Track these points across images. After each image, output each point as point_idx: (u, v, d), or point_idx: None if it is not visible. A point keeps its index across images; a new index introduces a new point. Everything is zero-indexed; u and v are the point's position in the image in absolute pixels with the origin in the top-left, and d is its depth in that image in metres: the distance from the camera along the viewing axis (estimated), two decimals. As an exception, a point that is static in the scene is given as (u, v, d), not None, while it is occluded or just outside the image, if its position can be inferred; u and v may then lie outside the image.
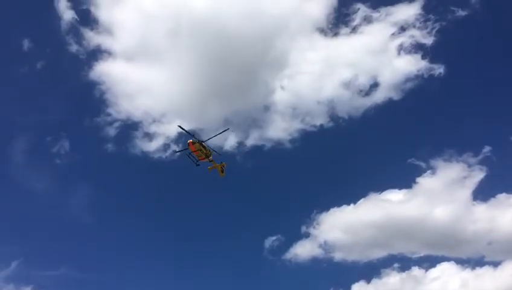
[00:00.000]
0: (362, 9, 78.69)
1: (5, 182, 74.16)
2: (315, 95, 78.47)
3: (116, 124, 75.66)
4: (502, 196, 71.01)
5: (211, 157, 46.59)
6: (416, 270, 68.76)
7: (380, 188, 73.63)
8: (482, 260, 67.90)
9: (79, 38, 75.65)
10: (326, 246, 71.23)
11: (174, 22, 75.06)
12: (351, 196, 73.51)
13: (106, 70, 76.06)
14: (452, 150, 74.16)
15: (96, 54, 76.21)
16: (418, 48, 77.79)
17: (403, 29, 78.30)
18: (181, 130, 42.62)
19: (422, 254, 69.74)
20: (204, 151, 45.42)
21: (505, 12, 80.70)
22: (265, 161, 78.85)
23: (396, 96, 76.45)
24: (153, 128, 75.50)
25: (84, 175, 77.34)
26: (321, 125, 77.16)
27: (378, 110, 77.00)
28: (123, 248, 74.38)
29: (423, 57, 77.24)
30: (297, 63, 79.99)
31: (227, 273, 72.10)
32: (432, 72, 76.65)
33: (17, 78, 77.43)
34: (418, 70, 76.68)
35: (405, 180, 73.91)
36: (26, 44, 75.29)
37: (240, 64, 75.82)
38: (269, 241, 72.28)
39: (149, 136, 75.58)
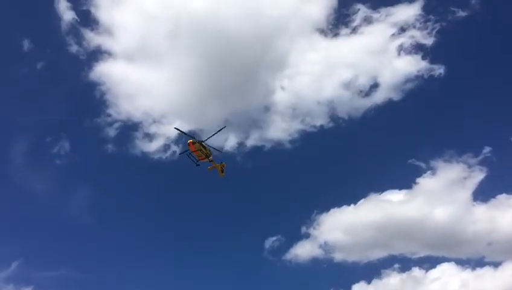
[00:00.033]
0: (362, 10, 79.01)
1: (5, 183, 74.31)
2: (315, 96, 78.74)
3: (116, 125, 75.93)
4: (502, 197, 71.23)
5: (211, 157, 46.76)
6: (416, 271, 68.98)
7: (380, 188, 73.89)
8: (482, 261, 68.12)
9: (79, 39, 75.97)
10: (326, 247, 71.41)
11: (174, 23, 75.36)
12: (351, 196, 73.73)
13: (106, 71, 76.38)
14: (452, 150, 74.43)
15: (97, 54, 76.52)
16: (418, 48, 78.10)
17: (403, 29, 78.59)
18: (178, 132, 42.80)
19: (422, 255, 69.96)
20: (205, 151, 45.59)
21: (505, 12, 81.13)
22: (265, 161, 79.13)
23: (396, 96, 76.71)
24: (153, 129, 75.82)
25: (84, 176, 77.66)
26: (321, 125, 77.43)
27: (378, 111, 77.25)
28: (123, 249, 74.65)
29: (423, 58, 77.54)
30: (297, 64, 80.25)
31: (227, 274, 72.37)
32: (432, 73, 76.90)
33: (17, 78, 77.76)
34: (418, 71, 76.95)
35: (405, 180, 74.17)
36: (26, 44, 75.63)
37: (240, 65, 76.06)
38: (269, 242, 72.50)
39: (149, 137, 75.86)
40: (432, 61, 76.89)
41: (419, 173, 73.70)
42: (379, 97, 76.71)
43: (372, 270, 69.84)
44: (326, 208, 73.26)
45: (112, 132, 75.77)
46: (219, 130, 44.10)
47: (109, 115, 75.74)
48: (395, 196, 72.87)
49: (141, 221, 75.32)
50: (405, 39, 78.02)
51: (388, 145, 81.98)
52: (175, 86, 77.00)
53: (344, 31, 79.68)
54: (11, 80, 77.45)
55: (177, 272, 73.42)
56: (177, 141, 71.97)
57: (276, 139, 76.98)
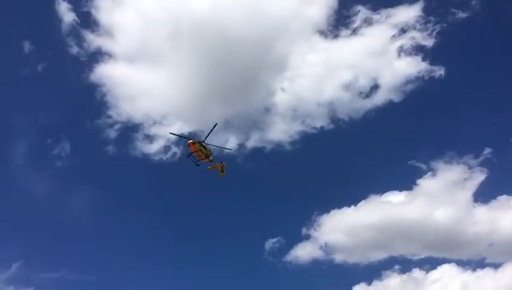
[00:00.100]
0: (362, 11, 79.00)
1: (5, 184, 74.45)
2: (315, 97, 78.84)
3: (117, 126, 76.01)
4: (502, 198, 71.25)
5: (211, 158, 46.96)
6: (417, 272, 69.03)
7: (381, 190, 73.88)
8: (482, 262, 68.14)
9: (80, 41, 75.98)
10: (326, 248, 71.48)
11: (174, 24, 75.50)
12: (351, 197, 73.85)
13: (107, 73, 76.39)
14: (453, 151, 74.52)
15: (97, 56, 76.55)
16: (418, 49, 78.13)
17: (403, 31, 78.62)
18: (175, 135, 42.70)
19: (423, 256, 70.02)
20: (205, 152, 45.80)
21: (505, 14, 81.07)
22: (265, 162, 79.18)
23: (396, 98, 76.73)
24: (153, 131, 75.92)
25: (84, 177, 77.68)
26: (321, 127, 77.55)
27: (378, 112, 77.26)
28: (124, 250, 74.71)
29: (423, 59, 77.58)
30: (297, 65, 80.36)
31: (227, 275, 72.39)
32: (433, 74, 76.95)
33: (17, 80, 77.76)
34: (418, 72, 76.99)
35: (406, 182, 74.36)
36: (27, 46, 75.67)
37: (240, 67, 76.17)
38: (270, 243, 72.60)
39: (149, 138, 75.94)
40: (432, 63, 77.18)
41: (420, 174, 73.97)
42: (379, 98, 76.99)
43: (373, 272, 70.10)
44: (326, 210, 73.55)
45: (112, 134, 76.05)
46: (213, 128, 44.08)
47: (110, 117, 76.00)
48: (395, 197, 73.13)
49: (141, 222, 75.64)
50: (405, 40, 78.26)
51: (388, 147, 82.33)
52: (175, 87, 77.35)
53: (344, 32, 79.92)
54: (11, 81, 77.62)
55: (178, 274, 73.67)
56: (177, 143, 72.26)
57: (276, 141, 77.26)
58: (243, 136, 76.87)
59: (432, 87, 77.87)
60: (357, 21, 78.82)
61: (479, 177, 72.35)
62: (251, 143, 77.00)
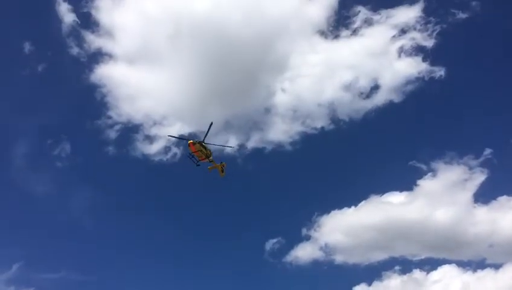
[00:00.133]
0: (363, 12, 79.32)
1: (6, 185, 74.46)
2: (316, 98, 79.04)
3: (117, 127, 76.16)
4: (503, 199, 71.25)
5: (211, 158, 47.13)
6: (417, 273, 68.98)
7: (381, 190, 73.92)
8: (483, 263, 68.18)
9: (80, 41, 76.22)
10: (327, 249, 71.51)
11: (174, 25, 75.69)
12: (352, 198, 73.96)
13: (107, 73, 76.62)
14: (453, 152, 74.57)
15: (97, 56, 76.79)
16: (418, 50, 78.33)
17: (403, 31, 78.80)
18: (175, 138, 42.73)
19: (423, 257, 70.00)
20: (205, 152, 45.94)
21: (505, 14, 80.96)
22: (266, 163, 79.27)
23: (397, 98, 76.87)
24: (153, 131, 76.09)
25: (85, 178, 77.67)
26: (322, 127, 77.72)
27: (378, 113, 77.39)
28: (124, 250, 74.68)
29: (424, 60, 77.81)
30: (297, 66, 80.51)
31: (228, 276, 72.44)
32: (433, 75, 77.17)
33: (18, 80, 78.03)
34: (418, 73, 77.22)
35: (406, 182, 74.32)
36: (27, 47, 75.96)
37: (241, 67, 76.27)
38: (270, 244, 72.71)
39: (150, 139, 76.07)
40: (432, 63, 77.39)
41: (420, 174, 74.02)
42: (380, 99, 77.14)
43: (373, 272, 70.12)
44: (327, 210, 73.63)
45: (112, 134, 76.21)
46: (209, 127, 44.17)
47: (110, 117, 76.15)
48: (395, 198, 73.16)
49: (142, 223, 75.78)
50: (405, 41, 78.45)
51: (389, 147, 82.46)
52: (176, 88, 77.43)
53: (344, 32, 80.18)
54: (12, 82, 78.06)
55: (178, 274, 73.67)
56: (177, 143, 72.04)
57: (276, 141, 77.38)
58: (243, 136, 77.22)
59: (432, 88, 78.30)
60: (357, 21, 79.31)
61: (480, 177, 72.65)
62: (251, 143, 77.36)
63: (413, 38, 78.13)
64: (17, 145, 75.16)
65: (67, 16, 75.13)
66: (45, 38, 78.58)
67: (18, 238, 70.10)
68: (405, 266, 69.48)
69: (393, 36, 78.42)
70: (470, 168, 73.26)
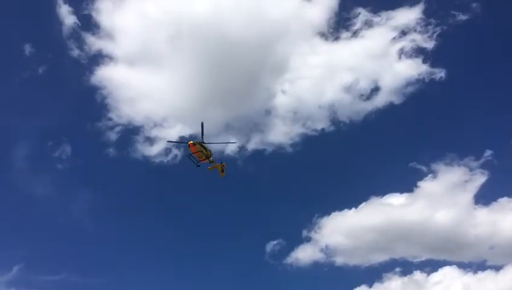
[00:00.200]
0: (363, 14, 79.45)
1: (6, 187, 74.46)
2: (316, 100, 79.07)
3: (118, 129, 76.20)
4: (503, 200, 71.20)
5: (211, 158, 47.19)
6: (418, 275, 68.95)
7: (382, 192, 73.87)
8: (483, 264, 68.13)
9: (80, 43, 76.40)
10: (327, 251, 71.45)
11: (175, 27, 75.81)
12: (352, 200, 73.92)
13: (107, 75, 76.71)
14: (453, 154, 74.58)
15: (98, 58, 76.91)
16: (419, 52, 78.42)
17: (403, 33, 78.92)
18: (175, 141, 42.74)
19: (424, 258, 70.01)
20: (205, 152, 45.99)
21: (505, 16, 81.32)
22: (266, 165, 79.22)
23: (397, 100, 76.94)
24: (154, 133, 76.11)
25: (85, 180, 77.72)
26: (322, 129, 77.76)
27: (379, 114, 77.44)
28: (124, 252, 74.59)
29: (424, 61, 77.93)
30: (298, 68, 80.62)
31: (228, 278, 72.28)
32: (433, 76, 77.26)
33: (18, 82, 78.15)
34: (419, 75, 77.32)
35: (406, 184, 74.28)
36: (27, 49, 76.10)
37: (241, 69, 76.36)
38: (270, 246, 72.66)
39: (150, 141, 76.12)
40: (432, 65, 77.50)
41: (421, 176, 74.07)
42: (380, 101, 77.17)
43: (374, 274, 70.00)
44: (327, 212, 73.59)
45: (113, 136, 76.27)
46: (202, 127, 44.58)
47: (110, 119, 76.23)
48: (396, 200, 73.11)
49: (142, 224, 75.70)
50: (406, 43, 78.57)
51: (389, 149, 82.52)
52: (176, 89, 77.57)
53: (345, 34, 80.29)
54: (12, 84, 78.22)
55: (179, 276, 73.58)
56: (178, 145, 72.17)
57: (277, 143, 77.40)
58: (244, 138, 77.19)
59: (432, 90, 78.36)
60: (358, 23, 79.46)
61: (480, 179, 72.66)
62: (252, 145, 77.35)
63: (414, 40, 78.48)
64: (17, 147, 75.53)
65: (68, 18, 75.55)
66: (46, 40, 78.99)
67: (19, 240, 70.31)
68: (406, 267, 69.65)
69: (394, 38, 78.76)
70: (471, 169, 73.50)
